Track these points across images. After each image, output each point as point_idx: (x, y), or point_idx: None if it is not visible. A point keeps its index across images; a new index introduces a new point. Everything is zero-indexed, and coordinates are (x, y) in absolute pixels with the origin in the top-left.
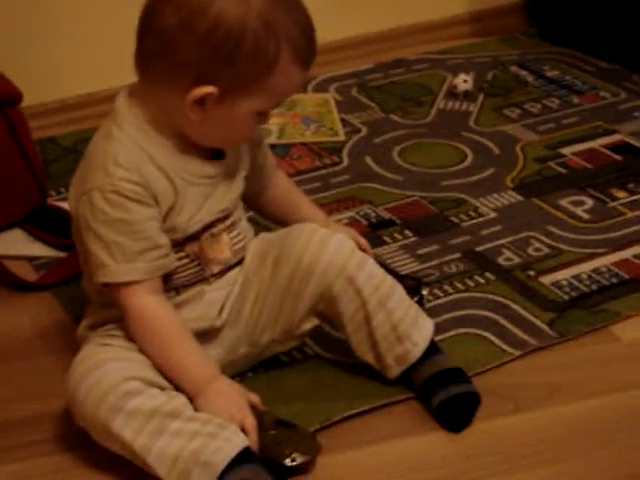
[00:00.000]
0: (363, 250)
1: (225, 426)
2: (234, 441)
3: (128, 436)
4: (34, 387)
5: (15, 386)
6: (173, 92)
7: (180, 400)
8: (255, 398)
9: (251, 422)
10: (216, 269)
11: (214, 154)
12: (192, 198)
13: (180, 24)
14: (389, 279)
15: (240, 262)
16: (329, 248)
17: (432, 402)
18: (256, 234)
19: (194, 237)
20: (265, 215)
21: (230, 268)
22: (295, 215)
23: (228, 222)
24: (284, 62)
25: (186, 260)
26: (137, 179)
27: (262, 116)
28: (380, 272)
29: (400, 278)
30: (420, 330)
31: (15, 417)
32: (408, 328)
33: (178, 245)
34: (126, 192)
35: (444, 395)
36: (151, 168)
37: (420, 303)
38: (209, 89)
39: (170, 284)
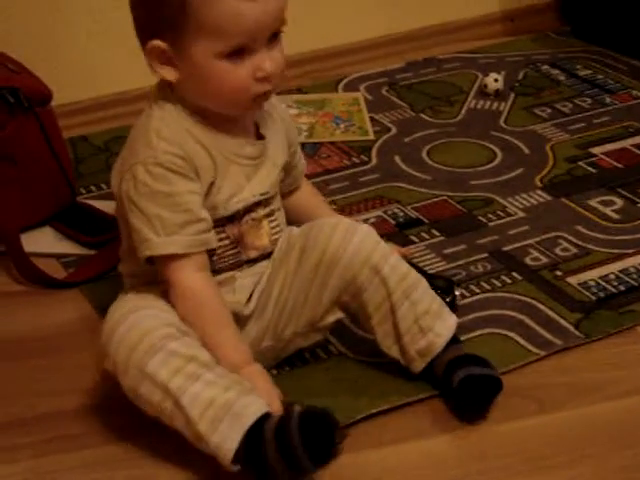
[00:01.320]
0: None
1: (253, 390)
2: (262, 403)
3: (164, 375)
4: (61, 383)
5: (43, 382)
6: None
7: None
8: (278, 395)
9: (277, 406)
10: (253, 255)
11: (257, 137)
12: (233, 176)
13: None
14: (413, 272)
15: (271, 254)
16: (354, 238)
17: (453, 382)
18: None
19: (235, 219)
20: (290, 220)
21: (264, 257)
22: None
23: (268, 209)
24: None
25: (226, 242)
26: (179, 152)
27: (235, 59)
28: (404, 264)
29: (432, 278)
30: (444, 322)
31: (38, 413)
32: (431, 320)
33: (220, 226)
34: (168, 164)
35: (465, 373)
36: (192, 143)
37: (453, 303)
38: (155, 42)
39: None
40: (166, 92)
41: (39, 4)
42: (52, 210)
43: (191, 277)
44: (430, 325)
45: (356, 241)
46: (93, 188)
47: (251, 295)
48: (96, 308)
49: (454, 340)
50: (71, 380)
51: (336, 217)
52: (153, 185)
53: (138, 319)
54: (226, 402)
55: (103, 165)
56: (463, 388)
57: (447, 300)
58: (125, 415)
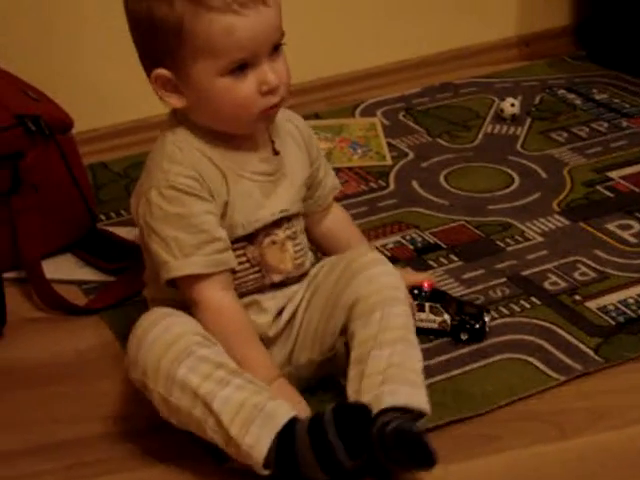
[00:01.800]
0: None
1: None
2: (290, 407)
3: (194, 380)
4: (82, 410)
5: (61, 408)
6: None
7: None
8: (307, 409)
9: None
10: (276, 279)
11: (273, 153)
12: (248, 194)
13: (129, 28)
14: (412, 332)
15: (300, 279)
16: (378, 267)
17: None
18: None
19: (256, 240)
20: (320, 247)
21: (288, 282)
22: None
23: (290, 231)
24: (191, 18)
25: (247, 265)
26: (192, 174)
27: (238, 75)
28: (410, 319)
29: (462, 304)
30: (410, 390)
31: (59, 439)
32: (398, 376)
33: (240, 248)
34: (181, 186)
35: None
36: (206, 164)
37: (482, 329)
38: (158, 71)
39: None
40: (178, 117)
41: (57, 33)
42: (73, 237)
43: (216, 295)
44: (394, 379)
45: (378, 269)
46: (113, 214)
47: (276, 317)
48: (117, 334)
49: (409, 416)
50: (91, 407)
51: (368, 251)
52: (167, 208)
53: (167, 326)
54: (257, 404)
55: (122, 191)
56: (392, 439)
57: (476, 327)
58: (145, 442)
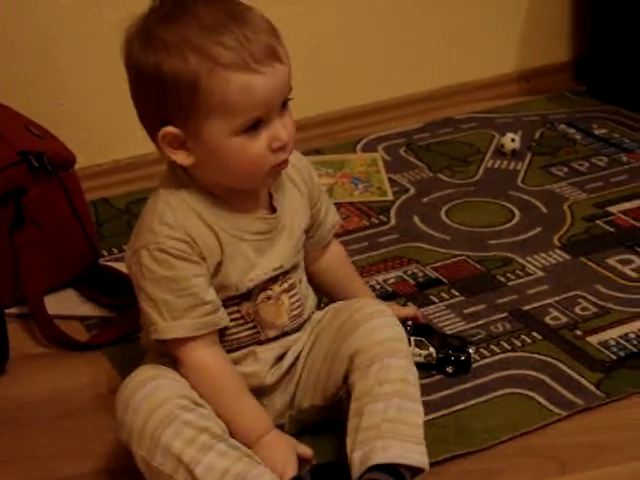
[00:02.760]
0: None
1: (263, 463)
2: (272, 475)
3: (178, 446)
4: (82, 446)
5: (62, 444)
6: (161, 150)
7: (224, 427)
8: (306, 450)
9: (292, 472)
10: (272, 334)
11: (270, 211)
12: (243, 254)
13: (129, 85)
14: (412, 384)
15: (298, 328)
16: (381, 318)
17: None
18: None
19: (250, 297)
20: (317, 284)
21: (285, 334)
22: (345, 290)
23: (287, 284)
24: (209, 76)
25: (241, 321)
26: (182, 236)
27: (252, 133)
28: (410, 372)
29: (445, 337)
30: (404, 446)
31: (60, 476)
32: (392, 431)
33: (234, 305)
34: (170, 250)
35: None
36: (198, 225)
37: (467, 362)
38: (167, 129)
39: (223, 343)
40: (177, 173)
41: (60, 70)
42: (75, 272)
43: (202, 355)
44: (387, 434)
45: (380, 320)
46: (115, 250)
47: (275, 364)
48: (118, 370)
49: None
50: (93, 443)
51: (372, 302)
52: (157, 270)
53: (152, 389)
54: (239, 471)
55: (125, 227)
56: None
57: (462, 358)
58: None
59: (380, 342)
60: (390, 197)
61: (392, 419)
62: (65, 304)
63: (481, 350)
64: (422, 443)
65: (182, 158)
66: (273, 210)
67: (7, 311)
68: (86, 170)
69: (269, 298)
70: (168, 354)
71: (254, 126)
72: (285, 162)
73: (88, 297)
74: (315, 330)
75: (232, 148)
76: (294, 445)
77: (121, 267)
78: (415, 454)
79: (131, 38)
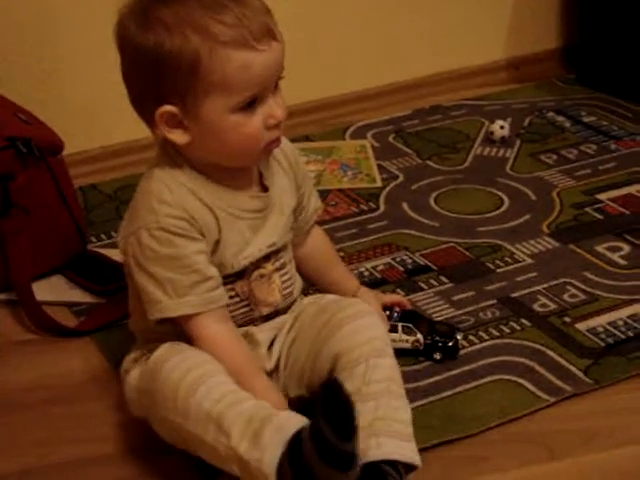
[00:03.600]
0: (386, 308)
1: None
2: (301, 418)
3: (208, 404)
4: (72, 431)
5: (54, 430)
6: (156, 128)
7: None
8: None
9: None
10: (265, 311)
11: (262, 189)
12: (238, 232)
13: (123, 65)
14: (398, 383)
15: (287, 309)
16: (365, 318)
17: None
18: None
19: (244, 275)
20: (301, 270)
21: (278, 313)
22: (329, 275)
23: (278, 263)
24: (209, 53)
25: (236, 299)
26: (182, 214)
27: (248, 110)
28: (395, 371)
29: (433, 324)
30: (397, 443)
31: (49, 462)
32: (385, 429)
33: (229, 283)
34: (172, 228)
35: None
36: (195, 202)
37: (455, 347)
38: (167, 108)
39: None
40: (169, 153)
41: (48, 55)
42: (63, 259)
43: (213, 331)
44: (380, 432)
45: (365, 321)
46: (103, 236)
47: (268, 349)
48: (106, 356)
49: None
50: (82, 429)
51: (343, 284)
52: (159, 249)
53: (180, 360)
54: (265, 416)
55: (113, 213)
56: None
57: (450, 345)
58: (137, 464)
59: (364, 343)
60: (379, 184)
61: (383, 417)
62: (53, 290)
63: (470, 337)
64: (413, 441)
65: (178, 137)
66: (264, 188)
67: None
68: (74, 156)
69: (262, 276)
70: (163, 335)
71: (250, 104)
72: (278, 139)
73: (76, 283)
74: (297, 323)
75: (230, 125)
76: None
77: (109, 253)
78: (409, 451)
79: (126, 19)
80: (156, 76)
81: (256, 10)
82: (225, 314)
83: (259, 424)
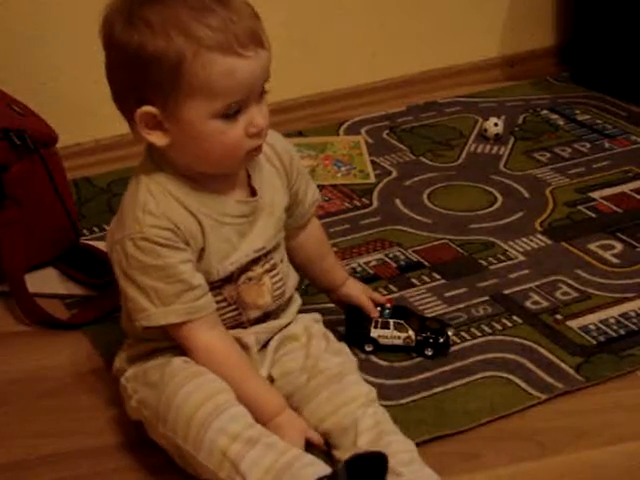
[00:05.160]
0: (377, 304)
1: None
2: (320, 465)
3: (223, 441)
4: (64, 424)
5: (44, 423)
6: (136, 130)
7: None
8: (315, 436)
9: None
10: (253, 315)
11: (250, 192)
12: (224, 238)
13: (107, 63)
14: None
15: (278, 311)
16: (347, 377)
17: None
18: None
19: (230, 280)
20: (291, 260)
21: (268, 316)
22: (318, 265)
23: (268, 264)
24: (193, 56)
25: (224, 304)
26: (166, 224)
27: (230, 117)
28: (384, 415)
29: (424, 320)
30: (413, 469)
31: (41, 454)
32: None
33: (217, 288)
34: (156, 238)
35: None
36: (180, 211)
37: (447, 344)
38: (145, 108)
39: None
40: (154, 157)
41: (42, 48)
42: (56, 251)
43: (202, 338)
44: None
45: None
46: (96, 229)
47: (260, 350)
48: (98, 349)
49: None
50: (74, 421)
51: (332, 275)
52: (144, 259)
53: (196, 386)
54: (284, 464)
55: (106, 207)
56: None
57: (441, 341)
58: (128, 457)
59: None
60: (372, 180)
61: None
62: (46, 282)
63: (461, 333)
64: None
65: (157, 138)
66: (252, 191)
67: None
68: (68, 149)
69: (250, 279)
70: (154, 339)
71: (233, 110)
72: (259, 148)
73: (69, 276)
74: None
75: (210, 131)
76: (304, 429)
77: (102, 246)
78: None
79: (111, 18)
80: (138, 76)
81: (243, 15)
82: (214, 319)
83: (275, 474)
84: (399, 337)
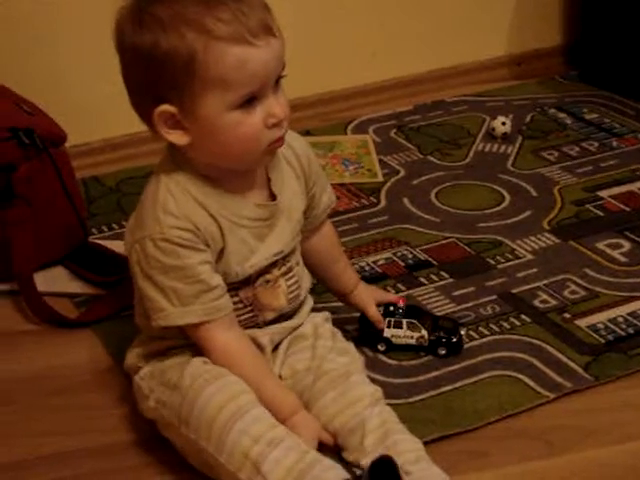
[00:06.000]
0: (390, 304)
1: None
2: (341, 469)
3: (246, 443)
4: (69, 423)
5: (54, 421)
6: (155, 130)
7: None
8: (328, 437)
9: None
10: (269, 316)
11: (269, 195)
12: (243, 241)
13: (122, 66)
14: (395, 421)
15: (293, 313)
16: (352, 377)
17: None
18: None
19: (248, 282)
20: (304, 262)
21: (282, 317)
22: (331, 268)
23: (285, 267)
24: (205, 49)
25: (240, 305)
26: (187, 226)
27: (247, 108)
28: (390, 414)
29: (437, 319)
30: (421, 466)
31: (45, 453)
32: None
33: (233, 289)
34: (176, 239)
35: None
36: (200, 212)
37: (459, 344)
38: (163, 107)
39: None
40: (174, 156)
41: (52, 47)
42: (64, 250)
43: (222, 339)
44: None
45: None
46: (105, 228)
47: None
48: (108, 348)
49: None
50: (80, 420)
51: (344, 280)
52: (164, 260)
53: (219, 387)
54: (307, 465)
55: (114, 205)
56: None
57: (454, 340)
58: (137, 455)
59: (354, 406)
60: (380, 179)
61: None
62: (54, 281)
63: (470, 332)
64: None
65: (177, 137)
66: (272, 195)
67: None
68: (76, 148)
69: (267, 282)
70: (170, 337)
71: (249, 101)
72: (281, 140)
73: (77, 274)
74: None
75: (228, 124)
76: (318, 430)
77: (110, 245)
78: (435, 471)
79: (123, 20)
80: (153, 75)
81: (253, 6)
82: (232, 320)
83: (297, 475)
84: (412, 337)
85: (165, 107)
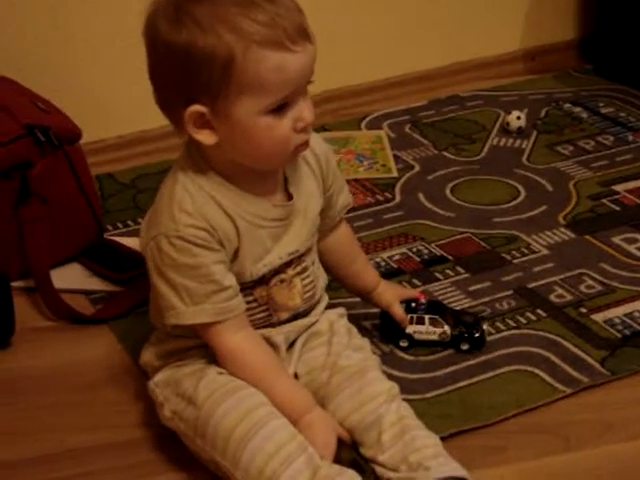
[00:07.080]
0: (411, 300)
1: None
2: (355, 474)
3: (260, 460)
4: (89, 419)
5: (69, 417)
6: (183, 129)
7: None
8: (344, 433)
9: (330, 455)
10: (284, 316)
11: (286, 195)
12: (259, 241)
13: (151, 63)
14: (412, 417)
15: (308, 312)
16: (368, 374)
17: None
18: None
19: (263, 281)
20: (321, 262)
21: (297, 316)
22: (349, 268)
23: (300, 267)
24: (244, 53)
25: (254, 304)
26: (202, 225)
27: (279, 113)
28: (407, 409)
29: (458, 314)
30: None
31: (66, 448)
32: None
33: (248, 289)
34: (191, 238)
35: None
36: (216, 211)
37: (482, 338)
38: (196, 107)
39: None
40: (193, 155)
41: (67, 45)
42: (80, 247)
43: (233, 340)
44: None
45: (367, 379)
46: (120, 225)
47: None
48: (123, 344)
49: None
50: (98, 416)
51: (363, 278)
52: (178, 258)
53: (242, 397)
54: (324, 477)
55: (129, 202)
56: None
57: (477, 335)
58: (154, 451)
59: (368, 403)
60: (395, 174)
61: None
62: (70, 278)
63: (486, 327)
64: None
65: (205, 137)
66: (288, 195)
67: (13, 284)
68: (91, 145)
69: (282, 281)
70: (183, 336)
71: (281, 106)
72: (307, 143)
73: (93, 271)
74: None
75: (260, 127)
76: (335, 427)
77: (126, 241)
78: (454, 467)
79: (156, 17)
80: (187, 75)
81: (290, 10)
82: (243, 321)
83: None
84: (434, 332)
85: (197, 107)
